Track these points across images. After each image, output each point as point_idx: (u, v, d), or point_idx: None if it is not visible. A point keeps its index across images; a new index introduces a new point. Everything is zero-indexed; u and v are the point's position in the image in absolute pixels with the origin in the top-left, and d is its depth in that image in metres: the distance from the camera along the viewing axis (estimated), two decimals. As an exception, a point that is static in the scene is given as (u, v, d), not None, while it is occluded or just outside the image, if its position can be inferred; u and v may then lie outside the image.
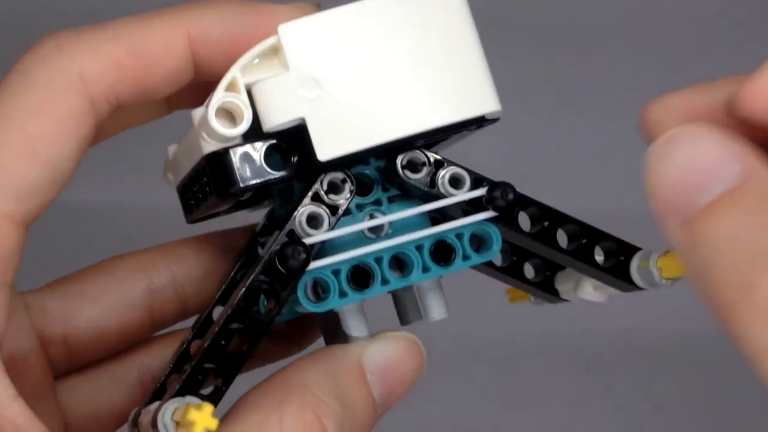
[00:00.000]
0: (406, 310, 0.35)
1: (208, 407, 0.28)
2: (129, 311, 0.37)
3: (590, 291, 0.36)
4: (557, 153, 0.82)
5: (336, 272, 0.32)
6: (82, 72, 0.32)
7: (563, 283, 0.37)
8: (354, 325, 0.33)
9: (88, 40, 0.32)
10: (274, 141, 0.32)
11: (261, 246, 0.36)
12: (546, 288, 0.38)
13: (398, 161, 0.33)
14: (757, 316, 0.23)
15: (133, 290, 0.37)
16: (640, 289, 0.35)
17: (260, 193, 0.35)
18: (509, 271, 0.37)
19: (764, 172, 0.24)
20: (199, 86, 0.34)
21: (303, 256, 0.31)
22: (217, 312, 0.35)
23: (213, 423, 0.28)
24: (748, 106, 0.26)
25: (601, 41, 0.82)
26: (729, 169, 0.24)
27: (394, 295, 0.35)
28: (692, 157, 0.25)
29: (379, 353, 0.33)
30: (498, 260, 0.37)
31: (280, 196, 0.35)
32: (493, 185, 0.33)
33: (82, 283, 0.37)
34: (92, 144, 0.33)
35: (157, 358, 0.38)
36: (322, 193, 0.32)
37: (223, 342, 0.31)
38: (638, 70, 0.81)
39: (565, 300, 0.38)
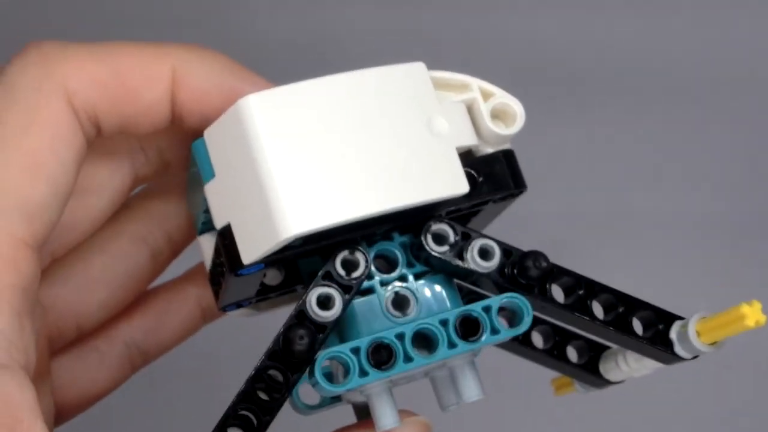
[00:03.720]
0: (442, 395, 0.34)
1: None
2: (136, 284, 0.37)
3: (635, 366, 0.35)
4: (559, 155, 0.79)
5: (355, 350, 0.31)
6: (66, 83, 0.31)
7: (607, 362, 0.36)
8: (383, 414, 0.32)
9: (74, 54, 0.31)
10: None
11: None
12: (591, 370, 0.36)
13: (424, 234, 0.32)
14: None
15: (138, 263, 0.37)
16: (684, 359, 0.33)
17: (291, 277, 0.35)
18: (551, 353, 0.36)
19: None
20: (172, 136, 0.34)
21: (306, 340, 0.30)
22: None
23: None
24: None
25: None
26: None
27: (432, 379, 0.34)
28: None
29: None
30: (540, 343, 0.36)
31: (310, 279, 0.33)
32: (525, 254, 0.32)
33: (86, 267, 0.36)
34: None
35: (138, 329, 0.38)
36: (335, 271, 0.31)
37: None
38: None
39: (611, 382, 0.37)
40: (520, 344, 0.36)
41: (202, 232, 0.36)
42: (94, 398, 0.37)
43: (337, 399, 0.36)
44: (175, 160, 0.36)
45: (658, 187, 0.75)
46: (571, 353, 0.37)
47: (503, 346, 0.36)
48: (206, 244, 0.35)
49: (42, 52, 0.31)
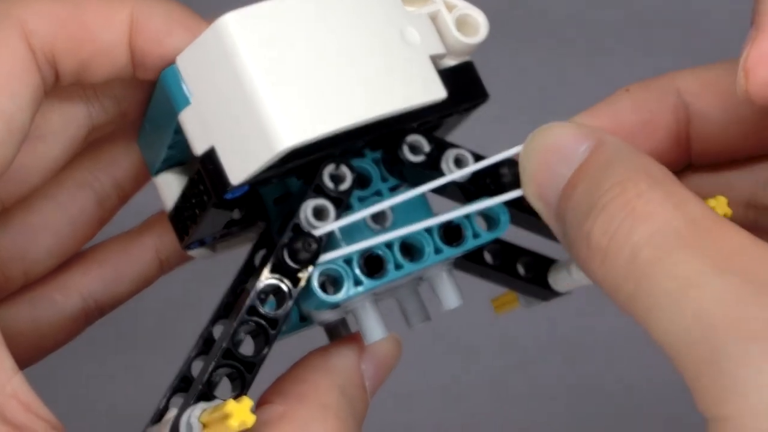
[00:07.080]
0: (410, 314, 0.35)
1: (247, 401, 0.28)
2: (84, 231, 0.36)
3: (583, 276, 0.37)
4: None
5: (348, 261, 0.31)
6: (24, 23, 0.31)
7: (558, 272, 0.38)
8: (372, 326, 0.33)
9: None
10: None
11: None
12: (539, 283, 0.38)
13: (400, 145, 0.32)
14: (594, 256, 0.27)
15: (84, 210, 0.36)
16: None
17: (252, 211, 0.34)
18: (502, 269, 0.37)
19: (612, 141, 0.29)
20: (129, 85, 0.34)
21: (314, 246, 0.31)
22: (217, 328, 0.34)
23: (250, 418, 0.28)
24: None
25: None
26: (579, 145, 0.29)
27: (399, 299, 0.35)
28: (548, 141, 0.29)
29: (374, 359, 0.34)
30: (491, 260, 0.37)
31: (276, 206, 0.34)
32: (501, 162, 0.33)
33: (30, 213, 0.35)
34: None
35: (95, 280, 0.37)
36: (324, 185, 0.31)
37: (237, 348, 0.31)
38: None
39: (559, 293, 0.38)
40: (473, 262, 0.37)
41: (159, 172, 0.35)
42: (47, 349, 0.37)
43: (306, 321, 0.36)
44: (131, 109, 0.35)
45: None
46: (520, 269, 0.38)
47: (459, 265, 0.37)
48: (166, 184, 0.35)
49: None
